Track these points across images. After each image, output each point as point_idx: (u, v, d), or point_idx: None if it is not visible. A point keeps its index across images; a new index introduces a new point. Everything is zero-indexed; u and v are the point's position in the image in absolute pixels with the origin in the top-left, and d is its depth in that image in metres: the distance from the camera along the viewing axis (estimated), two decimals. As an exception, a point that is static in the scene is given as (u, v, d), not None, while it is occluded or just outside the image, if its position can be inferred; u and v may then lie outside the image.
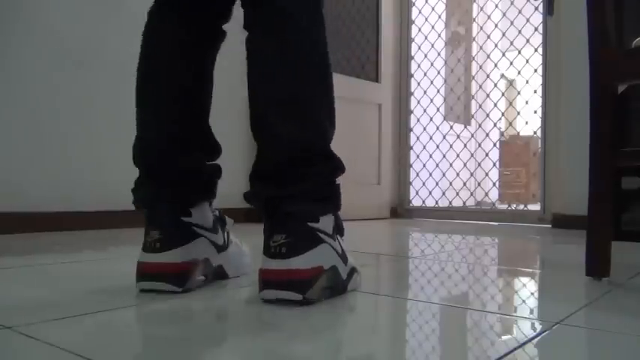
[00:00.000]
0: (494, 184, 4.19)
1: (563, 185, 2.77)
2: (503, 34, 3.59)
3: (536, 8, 3.07)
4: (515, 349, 0.67)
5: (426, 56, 3.71)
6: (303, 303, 0.84)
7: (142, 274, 0.92)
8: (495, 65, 3.94)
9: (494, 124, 3.95)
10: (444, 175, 3.73)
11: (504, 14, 3.59)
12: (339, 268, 0.91)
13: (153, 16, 1.00)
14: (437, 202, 3.67)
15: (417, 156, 3.70)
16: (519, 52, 3.35)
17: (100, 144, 2.23)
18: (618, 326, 0.80)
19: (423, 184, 3.66)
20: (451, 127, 4.35)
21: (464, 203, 3.66)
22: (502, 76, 4.87)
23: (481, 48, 4.24)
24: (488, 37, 3.80)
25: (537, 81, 3.16)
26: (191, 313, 0.85)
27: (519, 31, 3.36)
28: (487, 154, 3.79)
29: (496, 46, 3.69)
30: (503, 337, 0.77)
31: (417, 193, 3.68)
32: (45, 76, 2.10)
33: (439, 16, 3.86)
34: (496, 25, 3.78)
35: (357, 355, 0.66)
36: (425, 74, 3.72)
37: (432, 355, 0.68)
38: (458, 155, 3.77)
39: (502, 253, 1.92)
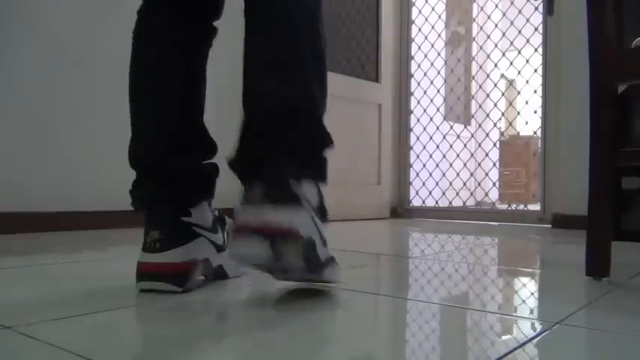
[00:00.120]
0: (494, 184, 4.19)
1: (563, 185, 2.77)
2: (503, 34, 3.59)
3: (536, 8, 3.06)
4: (515, 349, 0.67)
5: (426, 56, 3.71)
6: None
7: (142, 274, 0.92)
8: (495, 65, 3.94)
9: (494, 124, 3.94)
10: (444, 175, 3.73)
11: (504, 14, 3.58)
12: (317, 240, 0.87)
13: (142, 16, 1.00)
14: (437, 202, 3.67)
15: (417, 156, 3.70)
16: (519, 52, 3.35)
17: (98, 144, 2.24)
18: (618, 326, 0.80)
19: (423, 184, 3.66)
20: (451, 127, 4.35)
21: (464, 203, 3.66)
22: (502, 76, 4.86)
23: (481, 48, 4.24)
24: (488, 37, 3.79)
25: (537, 81, 3.16)
26: (191, 313, 0.85)
27: (519, 31, 3.36)
28: (487, 154, 3.79)
29: (496, 46, 3.69)
30: (503, 337, 0.77)
31: (417, 193, 3.68)
32: (44, 76, 2.10)
33: (439, 16, 3.86)
34: (496, 25, 3.78)
35: (357, 355, 0.66)
36: (425, 74, 3.72)
37: (432, 355, 0.68)
38: (458, 155, 3.77)
39: (502, 253, 1.92)
